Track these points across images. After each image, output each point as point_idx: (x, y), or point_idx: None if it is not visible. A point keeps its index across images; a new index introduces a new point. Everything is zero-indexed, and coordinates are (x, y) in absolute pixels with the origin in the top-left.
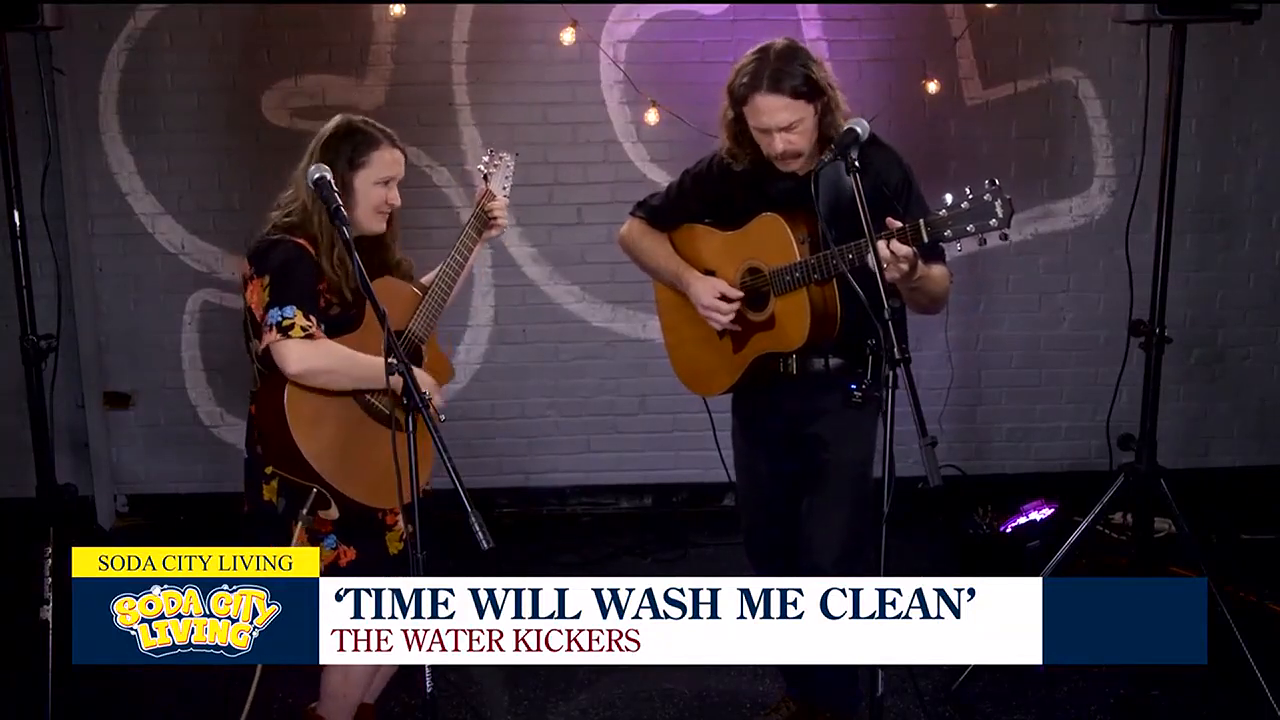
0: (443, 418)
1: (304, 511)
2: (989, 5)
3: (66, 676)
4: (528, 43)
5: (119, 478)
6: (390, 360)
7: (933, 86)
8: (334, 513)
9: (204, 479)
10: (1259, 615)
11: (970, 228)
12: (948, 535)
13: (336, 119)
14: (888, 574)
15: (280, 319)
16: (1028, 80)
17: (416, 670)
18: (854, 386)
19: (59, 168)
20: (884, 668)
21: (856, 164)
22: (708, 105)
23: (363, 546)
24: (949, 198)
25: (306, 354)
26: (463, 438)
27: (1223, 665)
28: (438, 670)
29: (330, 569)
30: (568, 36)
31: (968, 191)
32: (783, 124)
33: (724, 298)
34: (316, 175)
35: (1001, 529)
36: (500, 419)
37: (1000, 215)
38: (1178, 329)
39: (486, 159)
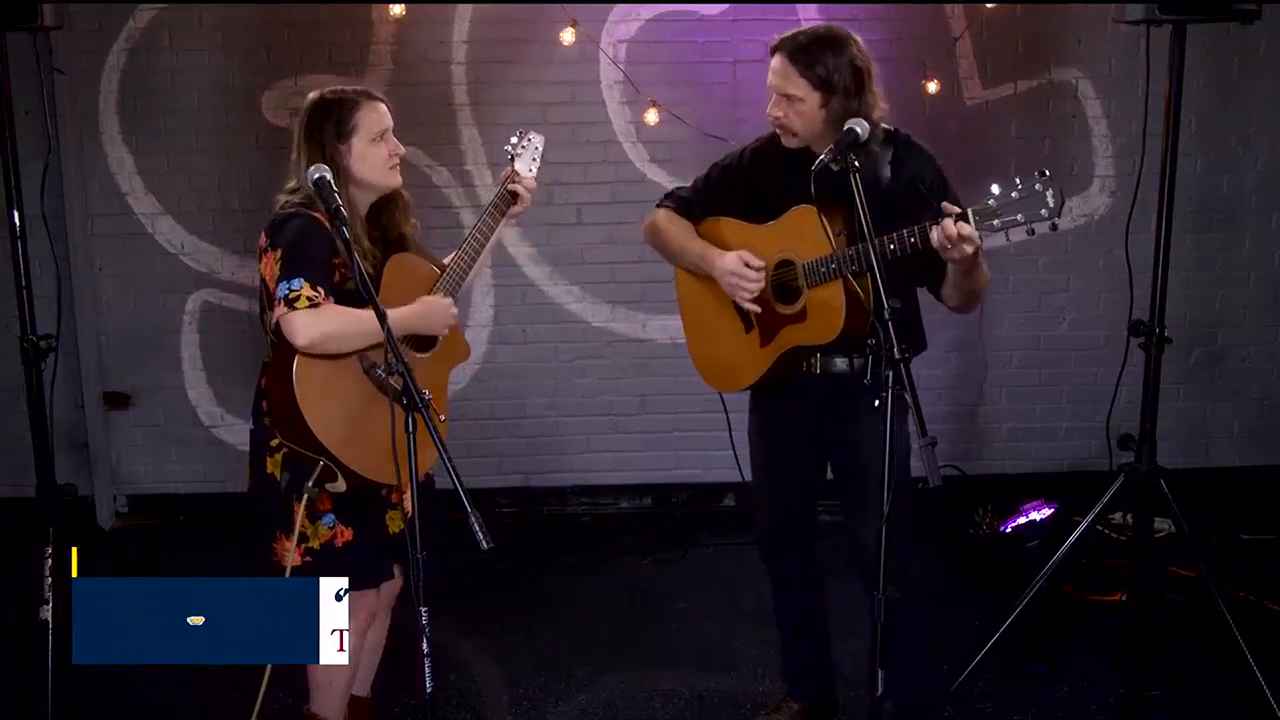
0: (443, 418)
1: (309, 484)
2: (989, 5)
3: (66, 676)
4: (528, 43)
5: (119, 478)
6: (390, 360)
7: (933, 86)
8: (341, 485)
9: (204, 479)
10: (1259, 615)
11: (1020, 217)
12: (948, 535)
13: (307, 100)
14: (886, 573)
15: (287, 292)
16: (1028, 80)
17: (416, 670)
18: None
19: (59, 168)
20: (884, 668)
21: (857, 165)
22: (708, 105)
23: (360, 527)
24: (996, 188)
25: (311, 322)
26: (463, 438)
27: (1223, 665)
28: (438, 670)
29: (326, 548)
30: (568, 36)
31: (1017, 181)
32: (780, 89)
33: (749, 266)
34: (316, 176)
35: (1001, 529)
36: (500, 419)
37: (1051, 205)
38: (1178, 329)
39: (515, 140)
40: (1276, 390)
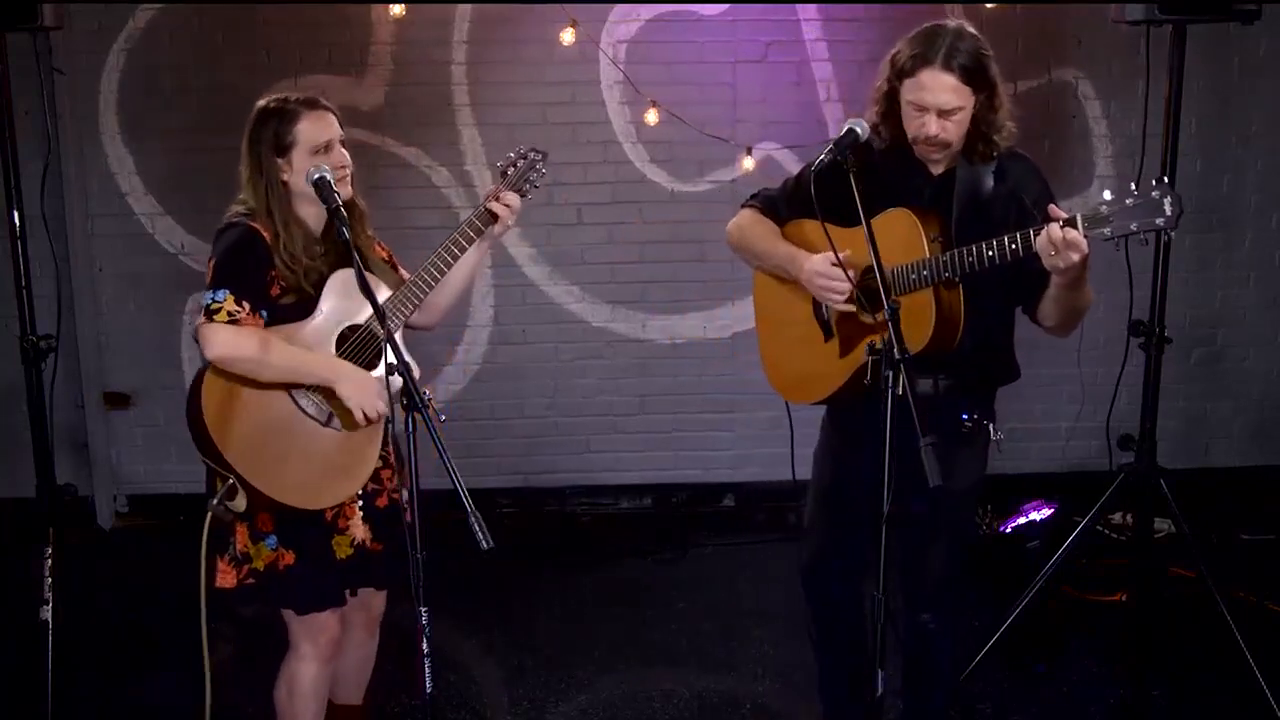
0: (443, 418)
1: (214, 501)
2: (989, 5)
3: (66, 677)
4: (527, 43)
5: (119, 478)
6: (389, 362)
7: None
8: (240, 504)
9: (204, 479)
10: (1259, 615)
11: (1134, 226)
12: None
13: (255, 109)
14: (887, 574)
15: (210, 302)
16: (1028, 80)
17: (416, 670)
18: (965, 416)
19: (59, 168)
20: (884, 668)
21: (855, 166)
22: (708, 105)
23: (302, 550)
24: (1109, 194)
25: (228, 340)
26: (462, 438)
27: (1223, 665)
28: (438, 670)
29: (269, 570)
30: (568, 36)
31: (1133, 187)
32: (944, 105)
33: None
34: (316, 176)
35: (1001, 529)
36: (500, 419)
37: (1169, 214)
38: (1178, 329)
39: (512, 154)
40: (1276, 390)
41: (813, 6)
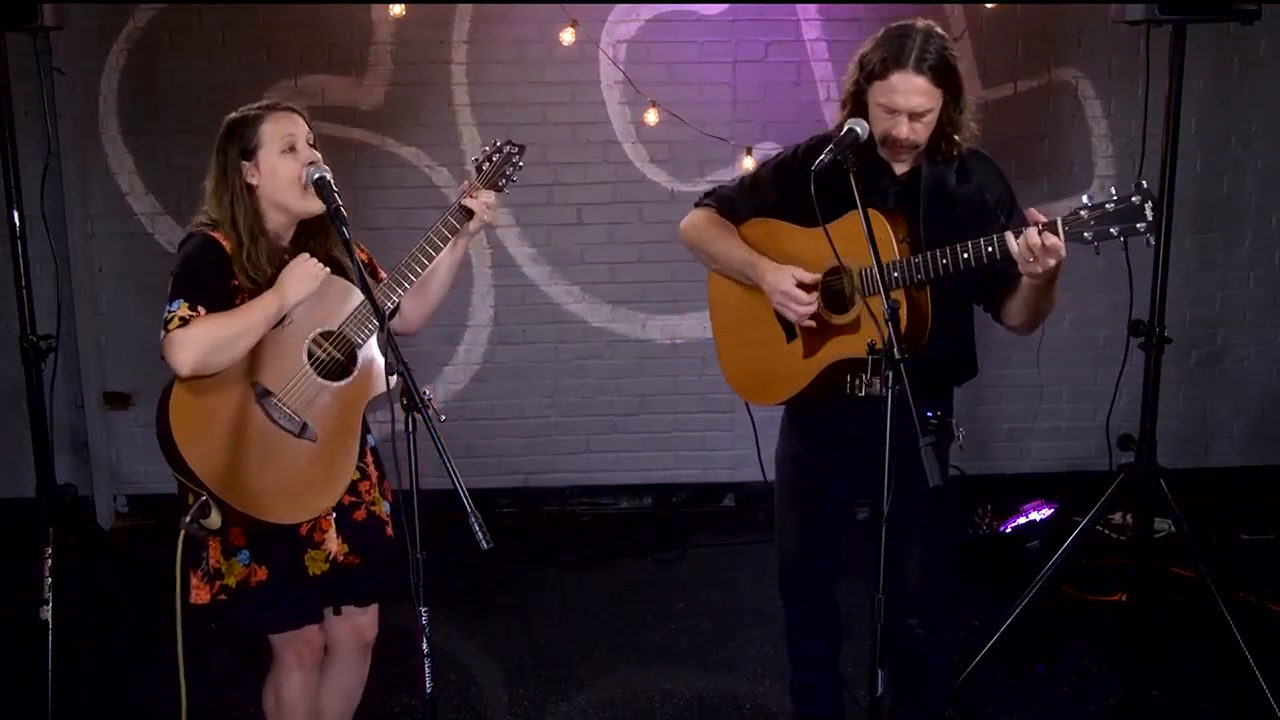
0: (443, 418)
1: (186, 519)
2: (989, 5)
3: (66, 676)
4: (527, 43)
5: (119, 478)
6: (390, 360)
7: None
8: (215, 521)
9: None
10: (1259, 615)
11: (1114, 230)
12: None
13: (223, 122)
14: (874, 578)
15: (166, 315)
16: (1028, 80)
17: (416, 670)
18: (930, 414)
19: (59, 168)
20: (884, 668)
21: (855, 166)
22: (708, 105)
23: (274, 567)
24: (1088, 198)
25: (183, 341)
26: (463, 438)
27: (1223, 665)
28: (438, 670)
29: (241, 586)
30: (568, 36)
31: (1113, 192)
32: (916, 108)
33: (801, 286)
34: (316, 176)
35: (1001, 529)
36: (500, 419)
37: (1150, 219)
38: (1178, 329)
39: (489, 148)
40: (1276, 390)
41: (813, 6)
